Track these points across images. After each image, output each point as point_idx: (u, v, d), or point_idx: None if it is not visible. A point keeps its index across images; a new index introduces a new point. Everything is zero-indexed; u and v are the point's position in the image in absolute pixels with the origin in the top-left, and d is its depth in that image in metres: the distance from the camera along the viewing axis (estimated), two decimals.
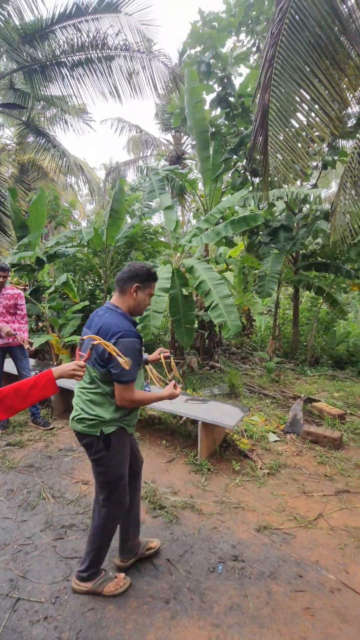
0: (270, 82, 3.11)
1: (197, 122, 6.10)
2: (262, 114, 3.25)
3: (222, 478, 3.07)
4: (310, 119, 3.01)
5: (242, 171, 7.46)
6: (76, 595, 1.85)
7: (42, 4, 5.62)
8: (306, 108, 3.01)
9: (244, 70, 7.67)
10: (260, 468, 3.25)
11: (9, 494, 2.72)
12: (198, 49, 6.87)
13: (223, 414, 3.35)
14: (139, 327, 4.49)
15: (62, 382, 2.10)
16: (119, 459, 1.80)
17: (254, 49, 7.45)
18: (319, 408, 4.66)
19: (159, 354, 2.12)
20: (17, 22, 5.88)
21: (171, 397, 1.84)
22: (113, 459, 1.78)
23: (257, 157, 7.17)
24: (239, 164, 7.71)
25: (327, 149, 6.80)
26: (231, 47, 7.29)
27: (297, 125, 3.16)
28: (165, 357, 2.12)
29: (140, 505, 2.14)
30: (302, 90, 2.99)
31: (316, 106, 2.90)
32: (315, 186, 8.27)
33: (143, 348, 1.84)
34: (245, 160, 7.43)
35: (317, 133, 2.92)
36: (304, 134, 3.13)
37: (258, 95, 3.28)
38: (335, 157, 6.94)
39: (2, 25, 5.79)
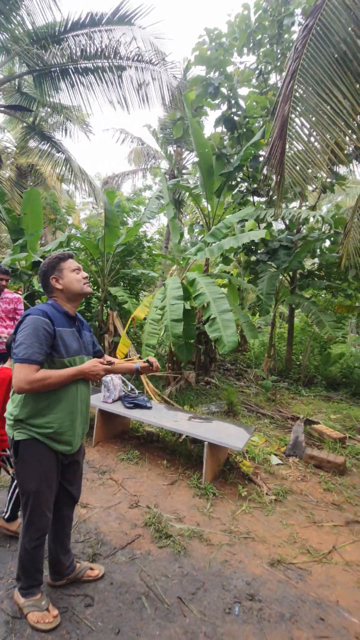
0: (292, 94, 3.11)
1: (200, 146, 6.10)
2: (280, 124, 3.24)
3: (227, 504, 2.90)
4: (332, 130, 3.00)
5: (245, 191, 7.53)
6: None
7: (56, 10, 5.52)
8: (327, 119, 3.00)
9: (245, 91, 7.82)
10: (267, 494, 3.10)
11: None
12: (203, 68, 6.99)
13: (229, 434, 3.21)
14: (163, 335, 4.39)
15: None
16: (27, 471, 1.62)
17: (257, 72, 7.65)
18: (319, 430, 4.56)
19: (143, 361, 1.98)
20: (29, 26, 5.83)
21: (92, 370, 1.62)
22: (20, 470, 1.64)
23: (261, 176, 7.27)
24: (241, 184, 7.80)
25: (325, 176, 6.95)
26: (233, 69, 7.45)
27: (317, 136, 3.15)
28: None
29: (69, 535, 1.95)
30: (323, 103, 3.00)
31: (338, 117, 2.90)
32: (313, 208, 8.41)
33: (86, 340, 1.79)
34: (246, 181, 7.53)
35: (345, 149, 2.90)
36: (324, 145, 3.11)
37: (277, 108, 3.28)
38: (334, 181, 7.08)
39: (13, 27, 5.73)
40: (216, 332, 4.40)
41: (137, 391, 3.93)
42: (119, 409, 3.58)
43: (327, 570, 2.27)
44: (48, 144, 7.61)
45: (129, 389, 3.91)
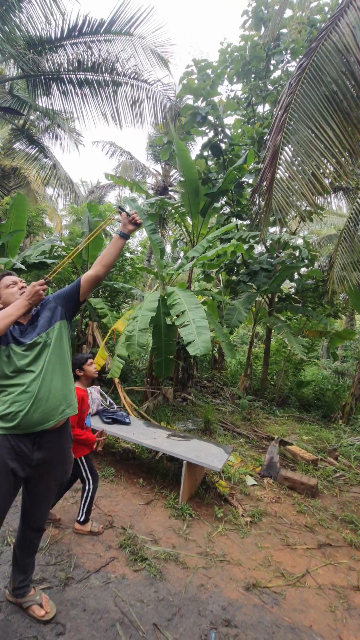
0: (284, 126, 3.28)
1: (186, 167, 6.15)
2: (272, 154, 3.39)
3: (204, 525, 2.87)
4: (320, 163, 3.17)
5: (229, 214, 7.75)
6: None
7: (59, 14, 5.47)
8: (317, 153, 3.18)
9: (231, 119, 8.15)
10: (242, 515, 3.10)
11: None
12: (191, 97, 7.23)
13: (208, 454, 3.20)
14: (126, 343, 4.32)
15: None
16: None
17: (246, 102, 8.00)
18: (293, 452, 4.64)
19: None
20: (30, 29, 5.84)
21: (27, 296, 1.58)
22: None
23: (245, 200, 7.51)
24: (225, 207, 8.03)
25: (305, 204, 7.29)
26: (223, 96, 7.76)
27: (305, 167, 3.32)
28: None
29: (28, 556, 1.84)
30: (314, 137, 3.18)
31: (327, 152, 3.07)
32: (293, 234, 8.77)
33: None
34: (230, 205, 7.76)
35: (328, 180, 3.08)
36: (311, 174, 3.27)
37: (270, 137, 3.43)
38: (314, 210, 7.44)
39: (9, 30, 5.73)
40: (190, 335, 4.19)
41: (115, 406, 3.86)
42: (97, 423, 3.49)
43: (300, 594, 2.29)
44: (36, 149, 7.55)
45: (108, 403, 3.84)
